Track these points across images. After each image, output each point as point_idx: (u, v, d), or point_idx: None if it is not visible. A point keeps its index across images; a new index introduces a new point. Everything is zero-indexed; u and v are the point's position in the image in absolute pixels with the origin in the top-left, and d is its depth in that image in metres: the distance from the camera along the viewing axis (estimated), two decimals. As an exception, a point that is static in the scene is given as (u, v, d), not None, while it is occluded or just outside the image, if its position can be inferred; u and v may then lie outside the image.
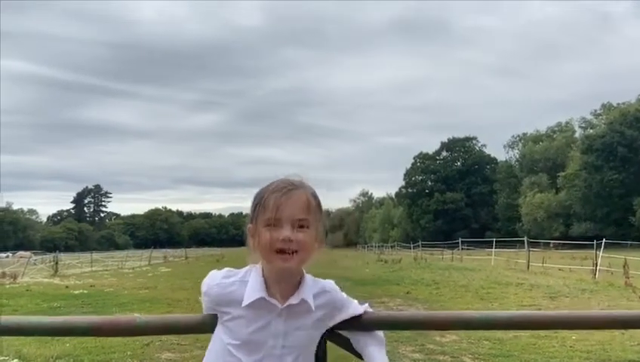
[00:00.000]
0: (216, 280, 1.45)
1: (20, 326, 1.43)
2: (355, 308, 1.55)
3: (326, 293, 1.47)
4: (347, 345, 1.59)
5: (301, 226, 1.37)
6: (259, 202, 1.40)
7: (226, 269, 1.48)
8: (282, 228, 1.35)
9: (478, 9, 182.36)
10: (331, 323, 1.51)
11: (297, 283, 1.43)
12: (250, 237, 1.43)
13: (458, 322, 1.59)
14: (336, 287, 1.51)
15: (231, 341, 1.41)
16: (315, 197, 1.43)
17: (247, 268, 1.46)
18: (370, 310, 1.61)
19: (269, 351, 1.39)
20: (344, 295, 1.54)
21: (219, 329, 1.46)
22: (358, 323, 1.55)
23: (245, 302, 1.39)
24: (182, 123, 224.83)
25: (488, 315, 1.57)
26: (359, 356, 1.56)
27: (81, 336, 1.50)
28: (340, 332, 1.58)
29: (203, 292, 1.47)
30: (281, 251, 1.35)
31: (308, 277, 1.46)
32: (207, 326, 1.52)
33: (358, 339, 1.57)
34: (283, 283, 1.41)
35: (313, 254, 1.41)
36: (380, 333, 1.59)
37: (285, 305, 1.40)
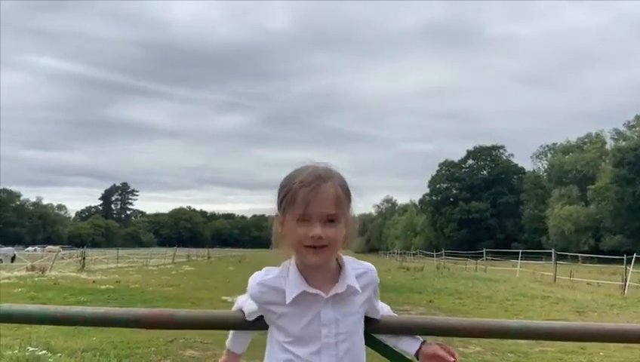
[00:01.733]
0: (257, 279, 1.45)
1: (64, 316, 1.47)
2: (380, 302, 1.57)
3: (367, 273, 1.48)
4: (382, 349, 1.59)
5: (331, 221, 1.37)
6: (286, 194, 1.39)
7: (265, 268, 1.48)
8: (312, 224, 1.35)
9: (510, 16, 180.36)
10: (371, 308, 1.51)
11: (337, 269, 1.44)
12: (279, 225, 1.43)
13: (495, 330, 1.57)
14: (374, 268, 1.51)
15: (284, 338, 1.42)
16: (344, 187, 1.41)
17: (284, 263, 1.46)
18: (392, 313, 1.62)
19: (325, 342, 1.39)
20: None
21: (271, 329, 1.47)
22: (391, 327, 1.56)
23: (288, 299, 1.39)
24: (208, 124, 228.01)
25: (525, 324, 1.54)
26: (393, 359, 1.56)
27: (122, 327, 1.53)
28: (374, 335, 1.58)
29: (249, 293, 1.48)
30: (310, 247, 1.36)
31: (348, 260, 1.46)
32: (244, 322, 1.53)
33: (395, 340, 1.59)
34: (321, 272, 1.41)
35: (340, 246, 1.41)
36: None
37: (331, 295, 1.40)
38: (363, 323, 1.48)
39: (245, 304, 1.53)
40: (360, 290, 1.43)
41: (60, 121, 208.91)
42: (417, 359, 1.57)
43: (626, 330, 1.57)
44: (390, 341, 1.60)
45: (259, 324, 1.50)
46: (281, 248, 1.44)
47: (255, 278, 1.45)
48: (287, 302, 1.39)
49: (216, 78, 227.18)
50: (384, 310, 1.59)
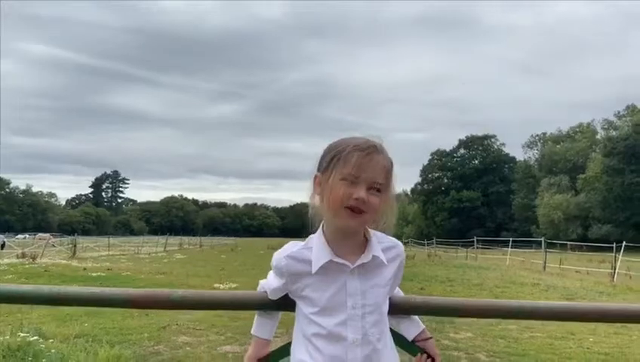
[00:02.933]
0: (283, 253, 1.44)
1: (59, 296, 1.45)
2: None
3: (394, 248, 1.47)
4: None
5: (376, 189, 1.36)
6: (337, 155, 1.37)
7: (291, 242, 1.47)
8: (359, 187, 1.34)
9: (504, 5, 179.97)
10: (397, 282, 1.51)
11: (364, 241, 1.43)
12: (317, 185, 1.42)
13: (496, 310, 1.57)
14: (401, 244, 1.51)
15: (311, 309, 1.41)
16: (392, 165, 1.42)
17: (309, 237, 1.45)
18: (401, 293, 1.62)
19: (351, 312, 1.38)
20: None
21: (298, 304, 1.45)
22: (398, 308, 1.56)
23: (314, 268, 1.38)
24: (201, 112, 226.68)
25: (526, 304, 1.55)
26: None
27: (119, 308, 1.51)
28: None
29: (274, 267, 1.46)
30: (350, 208, 1.34)
31: (374, 233, 1.44)
32: (240, 302, 1.52)
33: (395, 320, 1.59)
34: (348, 241, 1.40)
35: (376, 218, 1.40)
36: (415, 317, 1.62)
37: (357, 264, 1.39)
38: (388, 299, 1.48)
39: (267, 283, 1.53)
40: (386, 262, 1.42)
41: (51, 108, 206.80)
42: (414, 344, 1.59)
43: (624, 310, 1.58)
44: (391, 322, 1.57)
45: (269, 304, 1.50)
46: (314, 207, 1.43)
47: (281, 252, 1.45)
48: (314, 271, 1.38)
49: (209, 66, 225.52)
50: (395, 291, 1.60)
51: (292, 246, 1.45)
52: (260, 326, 1.57)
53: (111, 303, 1.46)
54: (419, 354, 1.57)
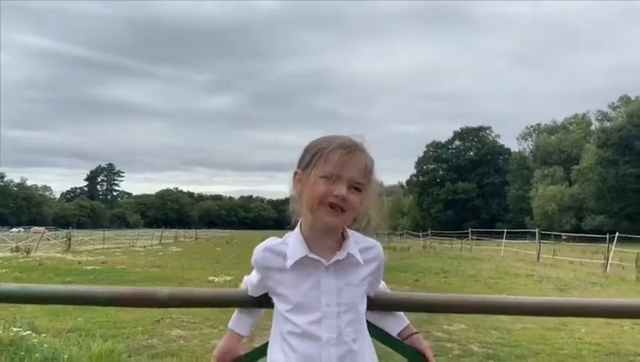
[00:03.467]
0: (262, 247, 1.45)
1: (43, 294, 1.44)
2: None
3: (372, 249, 1.46)
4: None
5: (356, 188, 1.36)
6: (319, 152, 1.37)
7: (271, 237, 1.47)
8: (339, 185, 1.34)
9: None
10: (375, 283, 1.51)
11: (340, 240, 1.42)
12: (297, 182, 1.42)
13: (480, 306, 1.58)
14: (380, 245, 1.51)
15: (285, 307, 1.41)
16: (373, 164, 1.42)
17: (287, 233, 1.46)
18: (388, 288, 1.62)
19: (326, 311, 1.37)
20: None
21: (275, 302, 1.45)
22: (377, 304, 1.55)
23: (289, 262, 1.38)
24: (196, 104, 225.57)
25: (508, 300, 1.55)
26: (372, 333, 1.55)
27: (104, 306, 1.50)
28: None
29: (253, 261, 1.46)
30: (330, 205, 1.34)
31: (353, 233, 1.44)
32: (226, 300, 1.52)
33: (378, 317, 1.58)
34: (325, 239, 1.40)
35: (354, 217, 1.41)
36: (400, 313, 1.62)
37: (332, 261, 1.38)
38: (365, 299, 1.47)
39: (249, 280, 1.53)
40: (362, 262, 1.41)
41: (45, 100, 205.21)
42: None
43: (612, 306, 1.59)
44: (373, 318, 1.58)
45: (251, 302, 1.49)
46: (294, 207, 1.43)
47: (260, 246, 1.45)
48: (288, 266, 1.38)
49: (204, 58, 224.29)
50: (380, 287, 1.59)
51: (271, 240, 1.45)
52: (238, 321, 1.57)
53: (96, 302, 1.46)
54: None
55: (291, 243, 1.41)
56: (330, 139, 1.40)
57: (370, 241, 1.47)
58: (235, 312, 1.58)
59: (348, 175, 1.35)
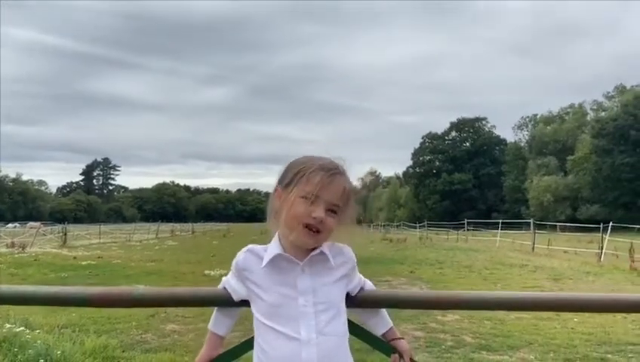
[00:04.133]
0: (244, 249, 1.49)
1: (17, 295, 1.44)
2: (361, 277, 1.58)
3: (342, 253, 1.49)
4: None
5: (333, 211, 1.40)
6: (300, 172, 1.41)
7: (253, 244, 1.52)
8: (318, 206, 1.38)
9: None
10: (350, 285, 1.53)
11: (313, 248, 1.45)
12: (277, 198, 1.44)
13: (457, 302, 1.58)
14: (350, 248, 1.53)
15: (263, 308, 1.43)
16: (352, 187, 1.46)
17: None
18: (374, 287, 1.62)
19: (303, 311, 1.40)
20: None
21: (252, 307, 1.47)
22: (362, 301, 1.56)
23: (265, 261, 1.42)
24: (192, 97, 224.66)
25: (483, 295, 1.55)
26: (355, 333, 1.56)
27: (77, 306, 1.50)
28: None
29: (234, 263, 1.49)
30: (307, 226, 1.38)
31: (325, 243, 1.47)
32: (203, 299, 1.51)
33: (363, 314, 1.60)
34: (300, 250, 1.43)
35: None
36: (384, 311, 1.62)
37: (306, 259, 1.41)
38: (344, 299, 1.49)
39: (227, 281, 1.55)
40: (333, 264, 1.44)
41: (39, 94, 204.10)
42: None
43: (580, 299, 1.59)
44: (357, 318, 1.59)
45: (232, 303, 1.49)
46: (273, 221, 1.46)
47: (243, 249, 1.49)
48: (264, 264, 1.41)
49: (199, 50, 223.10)
50: (366, 285, 1.60)
51: (254, 245, 1.51)
52: (217, 322, 1.58)
53: (67, 302, 1.45)
54: (393, 355, 1.56)
55: (270, 245, 1.45)
56: (312, 160, 1.43)
57: (340, 246, 1.50)
58: (214, 313, 1.59)
59: (327, 197, 1.39)
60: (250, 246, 1.49)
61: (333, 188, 1.39)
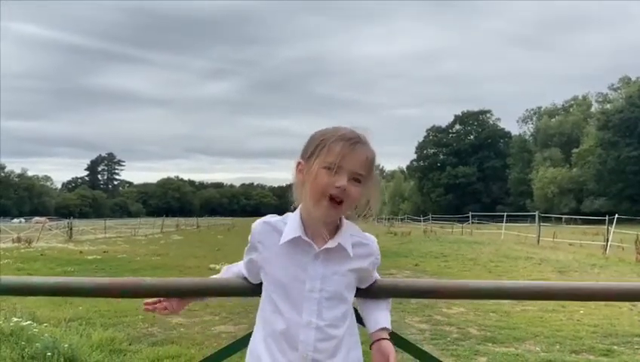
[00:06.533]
0: (262, 219, 1.48)
1: (25, 286, 1.44)
2: (377, 276, 1.57)
3: (366, 245, 1.48)
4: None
5: (356, 180, 1.38)
6: (322, 143, 1.39)
7: (271, 214, 1.51)
8: (340, 176, 1.36)
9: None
10: (367, 278, 1.51)
11: (336, 228, 1.44)
12: (299, 172, 1.43)
13: (466, 291, 1.57)
14: (376, 242, 1.51)
15: (271, 285, 1.43)
16: (375, 157, 1.43)
17: (286, 214, 1.48)
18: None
19: (308, 295, 1.40)
20: None
21: (262, 277, 1.48)
22: (365, 290, 1.55)
23: (283, 240, 1.41)
24: (195, 91, 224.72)
25: (495, 284, 1.54)
26: (362, 322, 1.56)
27: (88, 297, 1.50)
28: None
29: (252, 231, 1.49)
30: (331, 197, 1.36)
31: (349, 225, 1.45)
32: (211, 289, 1.51)
33: (364, 305, 1.58)
34: (321, 226, 1.41)
35: (354, 208, 1.43)
36: (386, 301, 1.60)
37: (322, 248, 1.40)
38: (354, 289, 1.48)
39: (237, 269, 1.57)
40: (351, 254, 1.43)
41: (44, 90, 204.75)
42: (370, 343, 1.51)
43: (588, 288, 1.58)
44: (363, 308, 1.57)
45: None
46: (296, 194, 1.44)
47: (260, 219, 1.49)
48: (281, 243, 1.41)
49: (201, 44, 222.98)
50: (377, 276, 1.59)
51: (271, 216, 1.49)
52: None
53: (79, 292, 1.45)
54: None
55: (289, 223, 1.43)
56: (333, 131, 1.41)
57: (366, 237, 1.49)
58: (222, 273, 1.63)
59: (349, 166, 1.37)
60: (267, 217, 1.48)
61: (355, 157, 1.37)
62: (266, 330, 1.43)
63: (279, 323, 1.40)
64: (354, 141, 1.38)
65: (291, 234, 1.40)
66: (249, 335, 1.50)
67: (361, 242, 1.46)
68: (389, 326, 1.52)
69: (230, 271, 1.62)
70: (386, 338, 1.50)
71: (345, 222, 1.44)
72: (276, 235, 1.43)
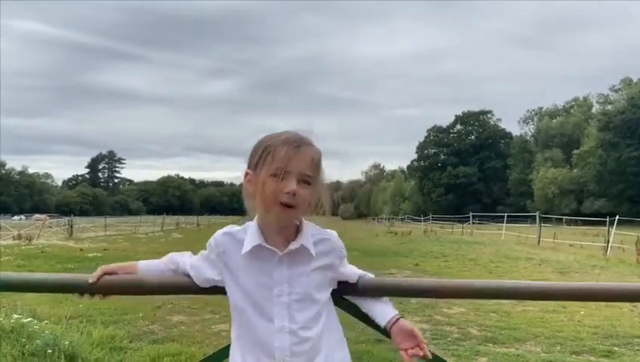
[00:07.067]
0: (222, 231, 1.48)
1: (24, 282, 1.43)
2: (353, 268, 1.55)
3: (328, 241, 1.47)
4: (353, 310, 1.58)
5: (305, 182, 1.37)
6: (265, 150, 1.39)
7: (231, 225, 1.50)
8: (289, 181, 1.35)
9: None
10: (334, 274, 1.50)
11: (295, 231, 1.43)
12: (248, 183, 1.42)
13: (467, 291, 1.56)
14: (337, 236, 1.50)
15: (238, 295, 1.43)
16: (320, 156, 1.43)
17: (247, 222, 1.47)
18: (371, 275, 1.60)
19: (277, 300, 1.40)
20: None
21: (228, 291, 1.47)
22: (364, 289, 1.55)
23: (245, 250, 1.40)
24: (196, 90, 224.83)
25: (496, 284, 1.54)
26: (364, 320, 1.55)
27: (87, 293, 1.49)
28: (347, 297, 1.57)
29: (209, 244, 1.48)
30: (283, 204, 1.35)
31: (308, 225, 1.45)
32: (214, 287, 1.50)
33: (365, 302, 1.57)
34: (280, 232, 1.42)
35: (309, 210, 1.42)
36: (386, 299, 1.59)
37: (285, 252, 1.40)
38: (327, 289, 1.48)
39: (191, 263, 1.55)
40: (314, 254, 1.42)
41: (44, 87, 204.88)
42: (387, 330, 1.51)
43: (610, 289, 1.58)
44: (365, 305, 1.57)
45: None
46: (249, 205, 1.44)
47: (220, 230, 1.48)
48: (243, 252, 1.40)
49: (202, 43, 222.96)
50: (367, 276, 1.57)
51: (231, 226, 1.49)
52: (153, 266, 1.60)
53: (79, 289, 1.45)
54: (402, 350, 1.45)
55: (249, 232, 1.43)
56: (276, 136, 1.41)
57: (326, 233, 1.48)
58: (161, 264, 1.61)
59: (296, 169, 1.36)
60: (228, 228, 1.47)
61: (301, 159, 1.36)
62: (240, 342, 1.43)
63: (252, 332, 1.40)
64: (298, 144, 1.37)
65: (252, 243, 1.40)
66: (224, 349, 1.52)
67: (323, 238, 1.46)
68: (396, 312, 1.53)
69: (173, 262, 1.60)
70: (402, 317, 1.51)
71: (305, 222, 1.44)
72: (238, 246, 1.42)
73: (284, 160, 1.35)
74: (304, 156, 1.37)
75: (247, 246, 1.40)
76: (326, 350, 1.42)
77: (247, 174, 1.42)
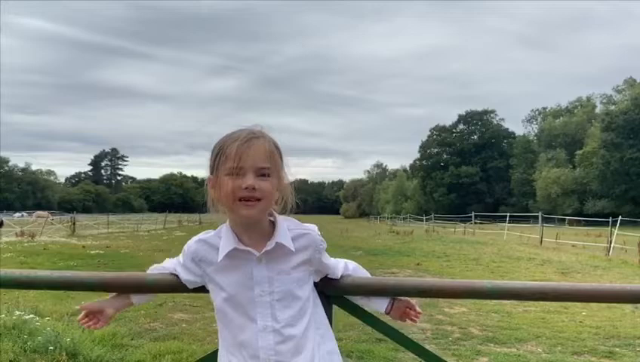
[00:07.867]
0: (195, 239, 1.47)
1: (29, 279, 1.44)
2: (334, 260, 1.55)
3: (307, 235, 1.45)
4: (353, 310, 1.59)
5: (263, 175, 1.36)
6: (219, 152, 1.39)
7: (206, 231, 1.49)
8: (245, 176, 1.35)
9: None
10: (315, 268, 1.49)
11: (271, 229, 1.42)
12: (211, 188, 1.43)
13: (468, 291, 1.57)
14: (317, 230, 1.49)
15: (220, 298, 1.43)
16: (277, 146, 1.42)
17: (220, 226, 1.46)
18: (362, 270, 1.61)
19: (259, 300, 1.39)
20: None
21: (211, 295, 1.47)
22: (364, 289, 1.55)
23: (220, 256, 1.40)
24: (199, 87, 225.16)
25: (497, 285, 1.54)
26: (365, 320, 1.56)
27: (90, 291, 1.50)
28: (347, 297, 1.57)
29: (183, 252, 1.48)
30: (244, 199, 1.35)
31: (285, 220, 1.44)
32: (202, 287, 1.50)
33: (365, 300, 1.59)
34: (252, 231, 1.41)
35: (274, 202, 1.41)
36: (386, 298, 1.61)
37: (262, 252, 1.39)
38: (309, 284, 1.47)
39: (175, 267, 1.54)
40: (293, 250, 1.41)
41: (48, 84, 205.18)
42: (388, 315, 1.59)
43: (611, 290, 1.57)
44: (360, 301, 1.59)
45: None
46: (216, 211, 1.43)
47: (194, 238, 1.47)
48: (219, 259, 1.40)
49: (206, 41, 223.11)
50: (349, 267, 1.58)
51: (205, 233, 1.48)
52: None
53: (82, 287, 1.45)
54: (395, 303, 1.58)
55: (223, 237, 1.42)
56: (227, 137, 1.41)
57: (305, 228, 1.46)
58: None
59: (250, 163, 1.35)
60: (201, 235, 1.47)
61: (253, 153, 1.35)
62: (225, 345, 1.44)
63: (236, 333, 1.41)
64: (247, 138, 1.37)
65: (227, 248, 1.39)
66: (212, 355, 1.53)
67: (301, 233, 1.44)
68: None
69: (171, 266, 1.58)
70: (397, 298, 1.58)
71: (280, 218, 1.43)
72: (213, 251, 1.42)
73: (237, 157, 1.34)
74: (256, 149, 1.36)
75: (223, 251, 1.39)
76: (312, 344, 1.42)
77: (209, 180, 1.43)
